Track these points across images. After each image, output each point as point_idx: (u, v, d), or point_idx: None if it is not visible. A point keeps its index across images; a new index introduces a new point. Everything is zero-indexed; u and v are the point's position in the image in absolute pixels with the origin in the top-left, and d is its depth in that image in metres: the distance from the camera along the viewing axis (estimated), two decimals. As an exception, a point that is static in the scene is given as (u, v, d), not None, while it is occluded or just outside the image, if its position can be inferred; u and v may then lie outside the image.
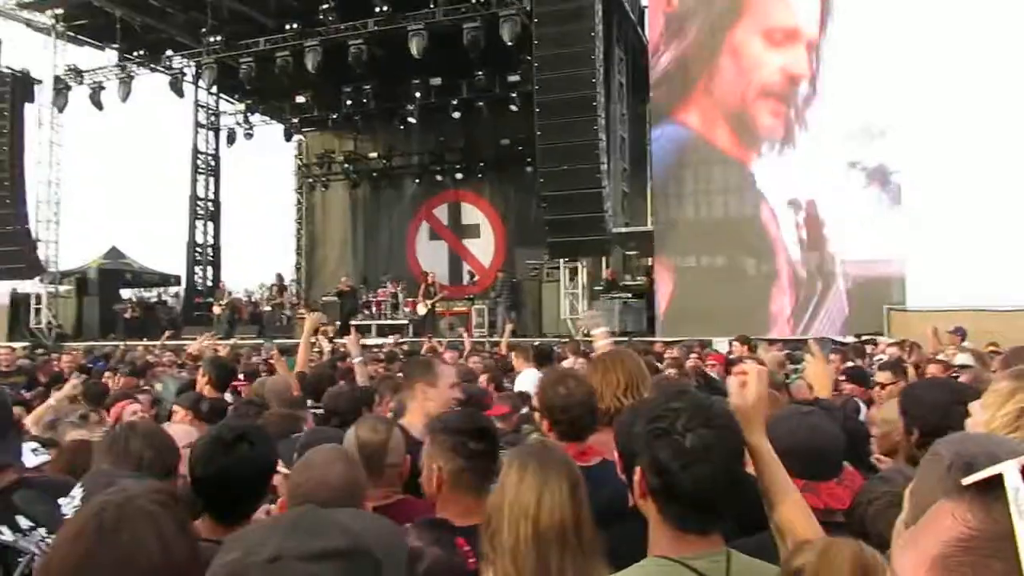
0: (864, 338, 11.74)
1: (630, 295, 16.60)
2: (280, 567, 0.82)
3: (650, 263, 16.94)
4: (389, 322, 18.93)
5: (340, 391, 4.33)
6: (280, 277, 22.06)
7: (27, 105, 20.16)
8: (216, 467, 2.19)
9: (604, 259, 17.39)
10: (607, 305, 16.29)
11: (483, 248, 23.09)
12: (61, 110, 20.55)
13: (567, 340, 11.53)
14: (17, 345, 16.34)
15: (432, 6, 16.83)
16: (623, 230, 16.58)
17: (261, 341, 15.48)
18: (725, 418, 1.61)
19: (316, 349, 10.76)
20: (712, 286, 15.21)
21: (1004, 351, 5.19)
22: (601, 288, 16.96)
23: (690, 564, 1.52)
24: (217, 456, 2.22)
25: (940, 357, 6.94)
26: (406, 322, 18.45)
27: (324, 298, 20.48)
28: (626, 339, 12.30)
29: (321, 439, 2.74)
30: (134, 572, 1.20)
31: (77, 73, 20.14)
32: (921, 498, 0.94)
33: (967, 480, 0.65)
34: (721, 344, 11.27)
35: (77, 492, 1.96)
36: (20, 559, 2.00)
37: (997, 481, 0.63)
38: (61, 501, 1.88)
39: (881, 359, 7.47)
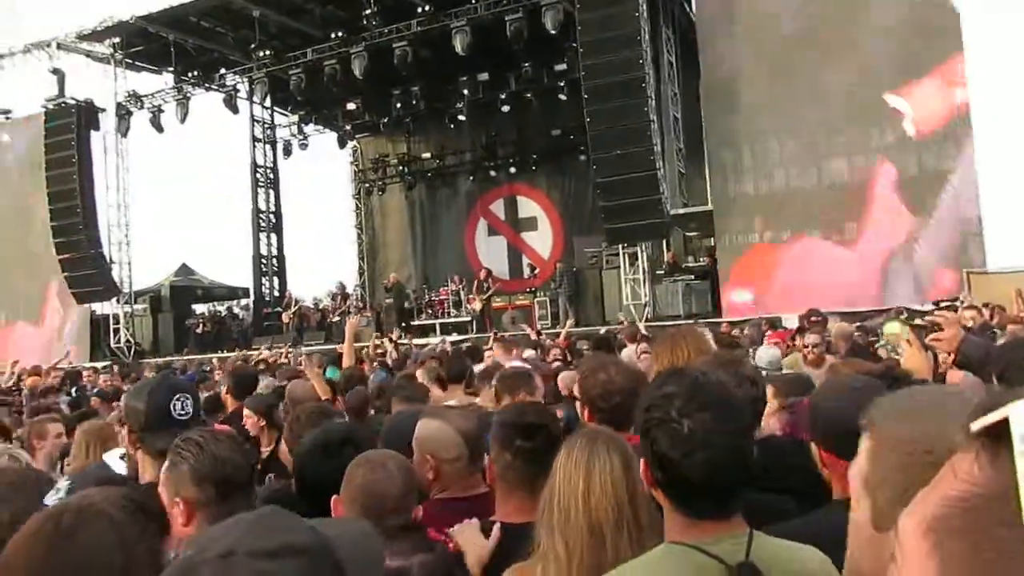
0: (943, 304, 11.19)
1: (692, 276, 16.29)
2: (230, 563, 0.79)
3: (712, 243, 16.57)
4: (452, 320, 19.01)
5: (358, 391, 4.42)
6: (342, 285, 22.34)
7: (93, 133, 20.87)
8: (325, 471, 2.18)
9: (664, 242, 17.09)
10: (670, 288, 16.02)
11: (541, 240, 22.96)
12: (124, 135, 21.27)
13: (626, 325, 11.38)
14: (99, 365, 17.05)
15: (473, 1, 16.80)
16: (681, 211, 16.25)
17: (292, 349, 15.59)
18: (724, 394, 1.47)
19: (380, 350, 10.92)
20: (779, 260, 14.79)
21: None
22: (663, 272, 16.68)
23: (705, 549, 1.40)
24: (326, 460, 2.22)
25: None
26: (469, 319, 18.49)
27: (386, 301, 20.71)
28: (692, 321, 12.09)
29: (405, 420, 2.72)
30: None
31: (137, 98, 20.78)
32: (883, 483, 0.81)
33: (976, 425, 0.50)
34: (790, 321, 10.94)
35: (63, 485, 1.94)
36: None
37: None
38: (49, 494, 1.86)
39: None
